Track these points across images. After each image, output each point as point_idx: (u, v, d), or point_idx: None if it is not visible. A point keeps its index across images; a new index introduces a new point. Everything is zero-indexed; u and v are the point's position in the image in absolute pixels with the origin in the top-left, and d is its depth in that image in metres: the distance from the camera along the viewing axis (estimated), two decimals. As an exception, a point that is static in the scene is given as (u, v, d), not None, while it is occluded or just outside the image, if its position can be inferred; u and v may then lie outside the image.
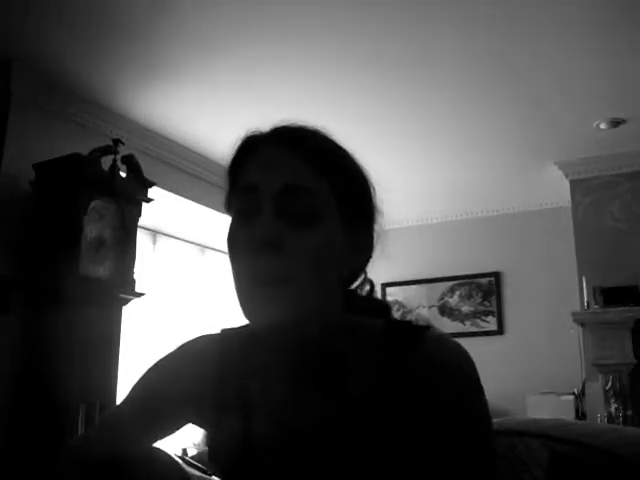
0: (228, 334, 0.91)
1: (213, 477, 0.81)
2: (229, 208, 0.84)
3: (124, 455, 0.77)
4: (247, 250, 0.76)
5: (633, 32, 2.80)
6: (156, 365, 0.92)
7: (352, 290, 0.91)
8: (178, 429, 0.92)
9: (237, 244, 0.78)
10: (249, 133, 0.85)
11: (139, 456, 0.78)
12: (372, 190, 0.86)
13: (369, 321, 0.86)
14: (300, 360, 0.81)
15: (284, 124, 0.84)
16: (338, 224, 0.79)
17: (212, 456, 0.86)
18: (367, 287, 0.92)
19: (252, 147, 0.82)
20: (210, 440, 0.87)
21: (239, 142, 0.85)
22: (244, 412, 0.83)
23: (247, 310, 0.77)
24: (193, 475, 0.77)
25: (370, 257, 0.87)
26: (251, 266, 0.75)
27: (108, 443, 0.84)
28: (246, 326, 0.90)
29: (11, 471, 2.61)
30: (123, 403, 0.91)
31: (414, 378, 0.78)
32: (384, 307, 0.92)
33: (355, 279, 0.90)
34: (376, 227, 0.86)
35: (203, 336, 0.93)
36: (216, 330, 0.94)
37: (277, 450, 0.80)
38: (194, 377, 0.87)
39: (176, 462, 0.77)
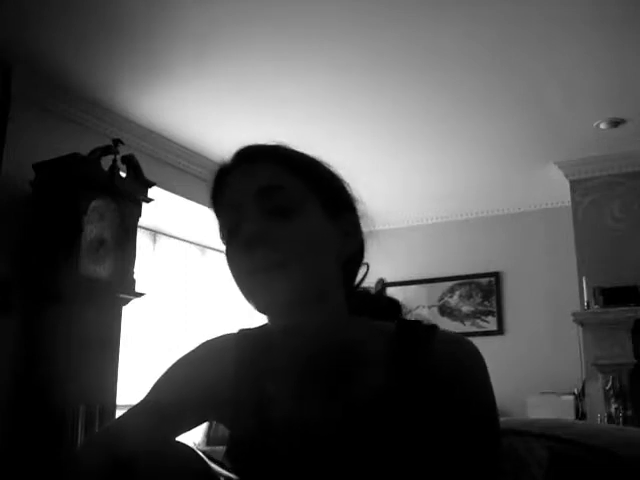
0: (245, 334, 0.93)
1: (232, 475, 0.81)
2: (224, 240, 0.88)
3: (146, 449, 0.78)
4: (240, 250, 0.80)
5: (633, 32, 2.80)
6: (177, 363, 0.93)
7: (363, 290, 0.94)
8: (197, 426, 0.94)
9: (232, 251, 0.83)
10: (218, 167, 0.90)
11: (162, 449, 0.79)
12: (344, 181, 0.91)
13: (380, 322, 0.88)
14: (315, 359, 0.83)
15: (245, 145, 0.89)
16: (319, 213, 0.83)
17: (231, 454, 0.87)
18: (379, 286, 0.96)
19: (223, 176, 0.88)
20: (229, 440, 0.88)
21: (212, 183, 0.90)
22: (260, 411, 0.85)
23: (250, 296, 0.81)
24: (215, 469, 0.77)
25: (361, 241, 0.90)
26: (246, 260, 0.79)
27: (130, 438, 0.85)
28: (262, 327, 0.92)
29: (11, 471, 2.61)
30: (144, 400, 0.92)
31: (426, 376, 0.79)
32: (394, 304, 0.95)
33: (356, 268, 0.92)
34: (359, 213, 0.91)
35: (221, 336, 0.95)
36: (233, 330, 0.96)
37: (293, 448, 0.82)
38: (213, 376, 0.89)
39: (199, 455, 0.78)
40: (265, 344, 0.88)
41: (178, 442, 0.82)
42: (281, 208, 0.81)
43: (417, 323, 0.86)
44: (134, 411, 0.92)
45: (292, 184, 0.82)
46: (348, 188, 0.91)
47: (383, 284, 0.96)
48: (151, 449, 0.78)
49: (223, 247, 0.87)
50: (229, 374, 0.88)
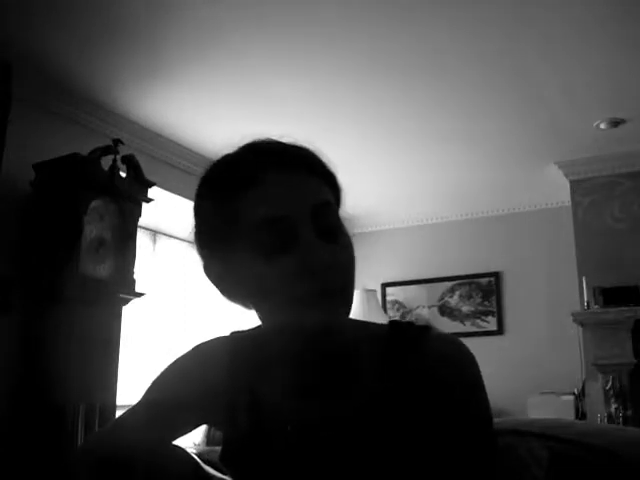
0: (239, 336, 0.93)
1: (226, 477, 0.82)
2: (227, 246, 0.79)
3: (141, 452, 0.78)
4: (298, 276, 0.74)
5: (633, 32, 2.80)
6: (170, 367, 0.93)
7: None
8: (193, 429, 0.94)
9: (275, 277, 0.75)
10: (241, 164, 0.81)
11: (156, 452, 0.79)
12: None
13: (373, 324, 0.89)
14: (309, 360, 0.82)
15: (269, 142, 0.82)
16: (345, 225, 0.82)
17: (225, 456, 0.87)
18: None
19: (252, 179, 0.78)
20: (224, 440, 0.88)
21: (225, 174, 0.82)
22: (255, 412, 0.85)
23: (303, 317, 0.76)
24: (209, 472, 0.78)
25: None
26: (306, 284, 0.74)
27: (124, 441, 0.85)
28: (255, 328, 0.92)
29: (11, 471, 2.61)
30: (138, 404, 0.92)
31: (420, 376, 0.80)
32: None
33: None
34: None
35: (215, 338, 0.95)
36: (226, 333, 0.96)
37: (288, 449, 0.82)
38: (207, 378, 0.89)
39: (192, 458, 0.78)
40: (259, 345, 0.88)
41: (173, 446, 0.82)
42: (333, 228, 0.78)
43: (410, 324, 0.86)
44: (130, 412, 0.93)
45: (333, 199, 0.81)
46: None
47: None
48: (147, 448, 0.79)
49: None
50: (222, 376, 0.88)
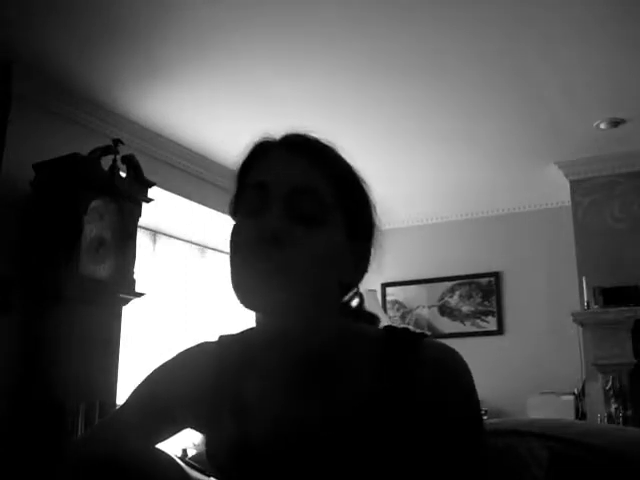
0: (226, 340, 0.93)
1: (212, 479, 0.81)
2: (235, 211, 0.86)
3: (124, 456, 0.78)
4: (251, 243, 0.78)
5: (633, 32, 2.80)
6: (157, 369, 0.94)
7: (344, 302, 0.93)
8: (177, 432, 0.94)
9: (241, 238, 0.80)
10: (260, 139, 0.88)
11: (140, 457, 0.79)
12: (374, 207, 0.89)
13: (369, 327, 0.89)
14: (298, 364, 0.82)
15: (296, 132, 0.88)
16: (341, 230, 0.82)
17: (210, 458, 0.87)
18: (357, 299, 0.94)
19: (263, 151, 0.86)
20: (207, 444, 0.88)
21: (250, 147, 0.88)
22: (241, 416, 0.84)
23: (244, 296, 0.79)
24: (194, 476, 0.78)
25: (366, 270, 0.89)
26: (254, 257, 0.77)
27: (109, 444, 0.85)
28: (244, 332, 0.92)
29: (11, 471, 2.61)
30: (124, 406, 0.93)
31: (413, 381, 0.80)
32: (373, 317, 0.94)
33: (349, 291, 0.91)
34: (375, 243, 0.89)
35: (202, 343, 0.95)
36: (214, 337, 0.95)
37: (274, 454, 0.81)
38: (194, 382, 0.89)
39: (177, 463, 0.78)
40: (247, 348, 0.88)
41: (157, 449, 0.82)
42: (308, 214, 0.79)
43: (406, 330, 0.86)
44: (114, 416, 0.92)
45: (327, 192, 0.81)
46: (376, 214, 0.89)
47: (361, 298, 0.94)
48: (131, 452, 0.79)
49: (231, 224, 0.86)
50: (210, 380, 0.88)
